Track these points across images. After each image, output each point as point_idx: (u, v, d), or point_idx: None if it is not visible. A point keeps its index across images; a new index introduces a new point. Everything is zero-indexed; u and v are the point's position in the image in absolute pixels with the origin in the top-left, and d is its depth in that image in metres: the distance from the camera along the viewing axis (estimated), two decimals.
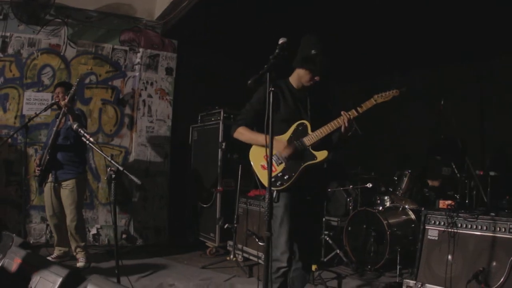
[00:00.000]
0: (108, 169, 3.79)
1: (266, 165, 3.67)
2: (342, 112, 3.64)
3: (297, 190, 3.73)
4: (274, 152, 3.61)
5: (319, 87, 3.90)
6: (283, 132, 3.80)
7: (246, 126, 3.89)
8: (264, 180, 3.66)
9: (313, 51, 3.62)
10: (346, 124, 3.61)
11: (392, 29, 6.79)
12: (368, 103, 3.66)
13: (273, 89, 2.90)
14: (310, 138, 3.69)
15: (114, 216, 3.88)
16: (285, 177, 3.69)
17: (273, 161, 3.68)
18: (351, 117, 3.62)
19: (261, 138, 3.69)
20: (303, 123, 3.76)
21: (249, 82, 2.87)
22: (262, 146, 3.60)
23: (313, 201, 3.90)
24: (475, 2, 5.66)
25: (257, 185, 7.08)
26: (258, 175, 3.87)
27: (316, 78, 3.73)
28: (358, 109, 3.64)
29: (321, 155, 3.69)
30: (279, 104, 3.74)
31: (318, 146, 3.71)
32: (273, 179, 3.56)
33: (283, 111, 3.76)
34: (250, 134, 3.85)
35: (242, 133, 3.89)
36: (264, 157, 3.63)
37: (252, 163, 3.91)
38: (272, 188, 3.57)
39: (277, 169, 3.72)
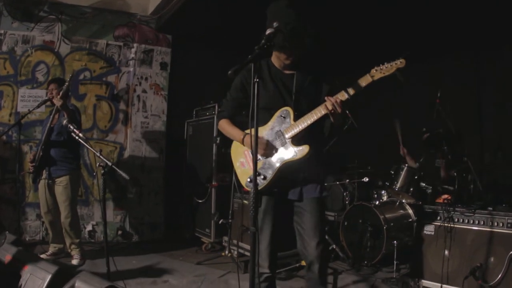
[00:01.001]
0: (97, 165, 3.77)
1: (244, 162, 3.45)
2: (326, 98, 3.06)
3: (278, 192, 3.33)
4: (248, 149, 3.38)
5: (311, 65, 3.39)
6: (265, 122, 3.34)
7: (228, 117, 3.56)
8: (241, 179, 3.44)
9: (275, 24, 2.93)
10: (332, 110, 3.02)
11: (390, 21, 6.73)
12: (363, 80, 3.02)
13: (257, 80, 2.64)
14: (291, 129, 3.22)
15: (104, 211, 3.85)
16: (261, 177, 3.27)
17: (248, 157, 3.42)
18: (338, 100, 3.01)
19: (237, 134, 3.43)
20: (286, 110, 3.27)
21: (229, 72, 2.63)
22: (238, 142, 3.45)
23: (300, 201, 3.32)
24: None
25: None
26: (237, 173, 3.53)
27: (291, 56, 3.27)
28: (349, 90, 3.04)
29: (301, 151, 3.16)
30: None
31: (303, 138, 3.21)
32: (248, 180, 3.36)
33: (262, 97, 3.04)
34: (228, 128, 3.53)
35: (222, 127, 3.59)
36: (243, 152, 3.46)
37: (232, 159, 3.57)
38: (249, 189, 3.31)
39: None
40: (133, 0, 7.91)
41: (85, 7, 7.60)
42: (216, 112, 7.28)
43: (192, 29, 8.00)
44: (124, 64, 7.97)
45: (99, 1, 7.64)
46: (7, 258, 3.66)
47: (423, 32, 6.94)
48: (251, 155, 3.32)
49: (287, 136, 3.23)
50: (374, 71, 2.99)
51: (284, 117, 3.27)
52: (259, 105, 2.74)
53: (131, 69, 7.99)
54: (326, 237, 6.29)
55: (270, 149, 3.26)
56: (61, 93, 5.39)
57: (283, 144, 3.25)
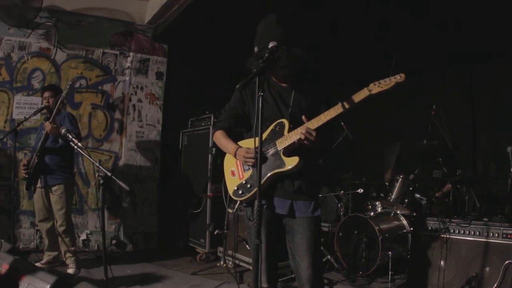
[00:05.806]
0: (96, 175, 3.75)
1: (235, 171, 3.41)
2: (304, 118, 3.06)
3: (267, 205, 3.22)
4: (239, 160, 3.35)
5: (312, 81, 3.36)
6: (262, 133, 3.07)
7: (224, 129, 3.55)
8: (229, 188, 3.39)
9: (255, 48, 3.12)
10: (302, 138, 3.01)
11: (383, 32, 6.78)
12: (360, 94, 2.92)
13: (262, 94, 2.66)
14: (283, 140, 3.14)
15: (102, 222, 3.82)
16: (248, 186, 3.26)
17: (239, 167, 3.40)
18: (310, 130, 2.97)
19: (230, 147, 3.41)
20: (281, 122, 3.21)
21: (237, 86, 2.64)
22: (231, 154, 3.41)
23: (292, 218, 3.21)
24: (467, 6, 5.67)
25: None
26: (226, 182, 3.47)
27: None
28: (345, 103, 2.92)
29: (291, 162, 3.09)
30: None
31: (296, 151, 3.13)
32: (235, 188, 3.33)
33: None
34: (222, 140, 3.51)
35: (217, 139, 3.57)
36: (235, 162, 3.41)
37: (224, 169, 3.51)
38: (235, 199, 3.35)
39: (244, 176, 3.33)
40: (130, 9, 7.93)
41: (82, 14, 7.60)
42: (211, 123, 7.27)
43: (188, 39, 8.03)
44: (120, 73, 7.96)
45: (96, 9, 7.65)
46: (4, 266, 3.64)
47: (418, 45, 7.00)
48: (242, 165, 3.37)
49: (279, 147, 3.15)
50: (373, 85, 2.88)
51: (279, 129, 3.21)
52: (256, 116, 2.75)
53: (127, 78, 7.99)
54: (321, 247, 6.30)
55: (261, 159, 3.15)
56: (52, 117, 5.38)
57: (274, 155, 3.18)
